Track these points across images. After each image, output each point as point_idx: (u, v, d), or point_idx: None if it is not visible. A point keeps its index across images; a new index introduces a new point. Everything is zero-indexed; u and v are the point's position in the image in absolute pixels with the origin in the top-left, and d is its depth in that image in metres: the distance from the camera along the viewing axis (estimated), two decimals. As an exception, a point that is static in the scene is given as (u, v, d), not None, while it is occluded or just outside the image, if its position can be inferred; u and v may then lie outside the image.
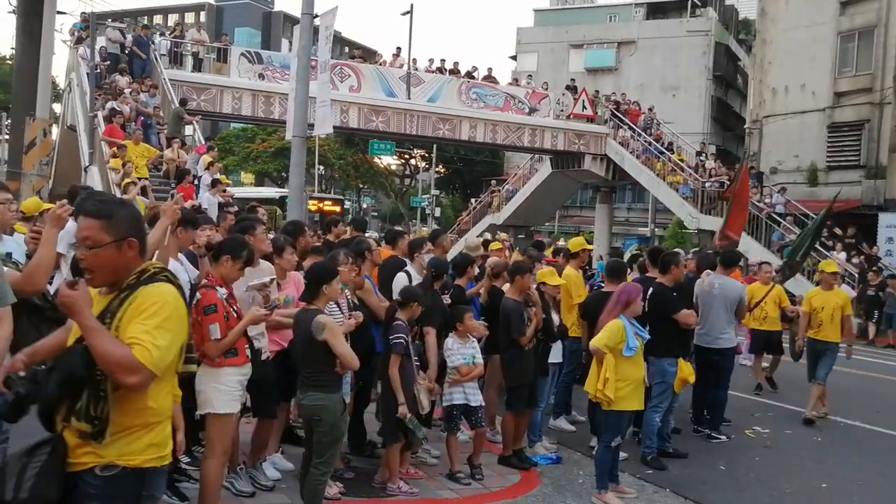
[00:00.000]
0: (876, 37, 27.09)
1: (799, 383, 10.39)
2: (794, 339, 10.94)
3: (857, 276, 21.31)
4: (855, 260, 22.09)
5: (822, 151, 28.67)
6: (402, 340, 6.12)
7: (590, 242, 13.48)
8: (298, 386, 5.35)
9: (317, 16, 12.27)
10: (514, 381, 7.26)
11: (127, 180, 13.81)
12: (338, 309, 5.80)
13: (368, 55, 34.14)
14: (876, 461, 8.46)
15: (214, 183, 13.99)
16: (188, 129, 18.83)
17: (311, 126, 13.02)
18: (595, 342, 6.26)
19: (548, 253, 10.46)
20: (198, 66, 23.47)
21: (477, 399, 6.78)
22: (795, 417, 10.03)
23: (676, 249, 11.07)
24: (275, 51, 42.12)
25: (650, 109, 30.77)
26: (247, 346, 5.14)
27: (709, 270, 8.96)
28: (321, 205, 30.82)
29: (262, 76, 24.09)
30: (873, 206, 25.86)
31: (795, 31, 29.47)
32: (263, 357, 5.78)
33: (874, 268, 21.46)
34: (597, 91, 32.44)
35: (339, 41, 67.24)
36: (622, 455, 7.26)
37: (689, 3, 47.94)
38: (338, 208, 31.99)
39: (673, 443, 8.16)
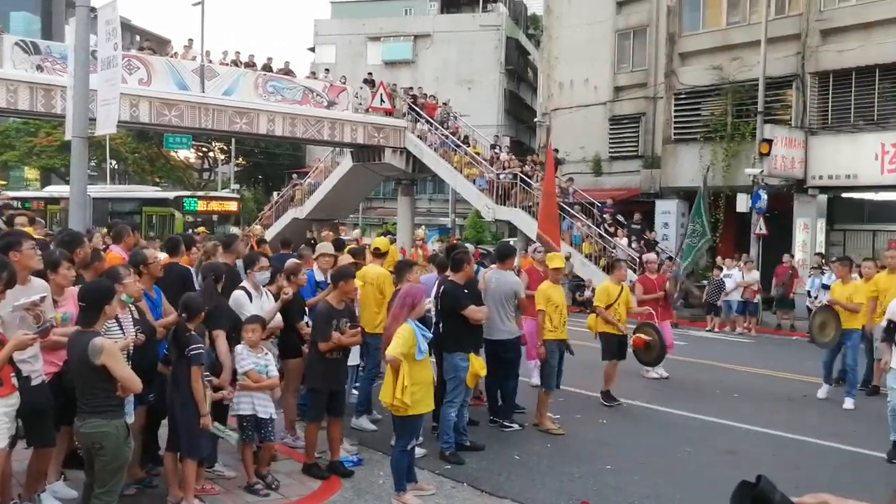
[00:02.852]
0: (648, 35, 29.17)
1: (593, 366, 10.96)
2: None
3: (637, 261, 22.68)
4: (635, 245, 23.55)
5: (604, 143, 30.59)
6: (201, 351, 5.93)
7: (391, 234, 13.59)
8: (77, 412, 5.05)
9: (94, 9, 11.53)
10: (311, 384, 7.25)
11: None
12: (116, 325, 5.52)
13: (160, 45, 32.55)
14: (652, 438, 9.16)
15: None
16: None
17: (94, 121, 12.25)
18: (391, 351, 6.24)
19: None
20: (-36, 56, 21.53)
21: (267, 411, 6.67)
22: (584, 401, 10.63)
23: (467, 246, 11.35)
24: (57, 38, 39.32)
25: (445, 103, 31.38)
26: (12, 373, 4.80)
27: (493, 265, 9.30)
28: (209, 205, 27.10)
29: (40, 68, 22.36)
30: (651, 194, 27.83)
31: (578, 28, 31.12)
32: (37, 381, 5.44)
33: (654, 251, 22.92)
34: (394, 84, 32.67)
35: (128, 29, 63.79)
36: (421, 452, 7.43)
37: (481, -3, 49.42)
38: (233, 207, 28.30)
39: (470, 435, 8.39)
